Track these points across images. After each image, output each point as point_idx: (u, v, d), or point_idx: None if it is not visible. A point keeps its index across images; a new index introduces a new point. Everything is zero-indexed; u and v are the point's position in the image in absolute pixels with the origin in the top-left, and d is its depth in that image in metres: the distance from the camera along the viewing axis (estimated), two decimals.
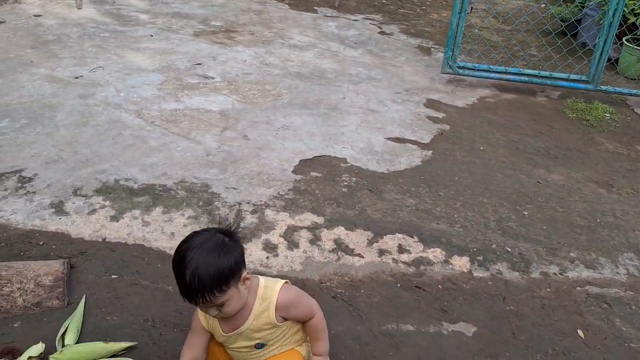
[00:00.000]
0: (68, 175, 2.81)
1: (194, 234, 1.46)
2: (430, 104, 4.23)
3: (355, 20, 6.29)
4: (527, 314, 2.25)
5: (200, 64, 4.47)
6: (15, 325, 1.95)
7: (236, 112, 3.69)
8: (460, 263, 2.51)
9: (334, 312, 2.15)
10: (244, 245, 1.61)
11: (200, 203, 2.69)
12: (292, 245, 2.48)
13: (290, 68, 4.61)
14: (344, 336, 2.05)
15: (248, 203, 2.72)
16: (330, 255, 2.46)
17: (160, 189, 2.77)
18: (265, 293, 1.54)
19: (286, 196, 2.81)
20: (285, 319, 1.58)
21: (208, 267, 1.36)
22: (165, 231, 2.50)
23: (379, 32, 5.97)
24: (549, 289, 2.39)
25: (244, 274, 1.45)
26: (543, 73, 4.47)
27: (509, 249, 2.61)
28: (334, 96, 4.14)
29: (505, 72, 4.55)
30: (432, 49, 5.58)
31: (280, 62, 4.75)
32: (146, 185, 2.79)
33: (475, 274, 2.46)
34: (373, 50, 5.40)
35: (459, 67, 4.57)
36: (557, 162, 3.46)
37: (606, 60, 4.19)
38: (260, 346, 1.59)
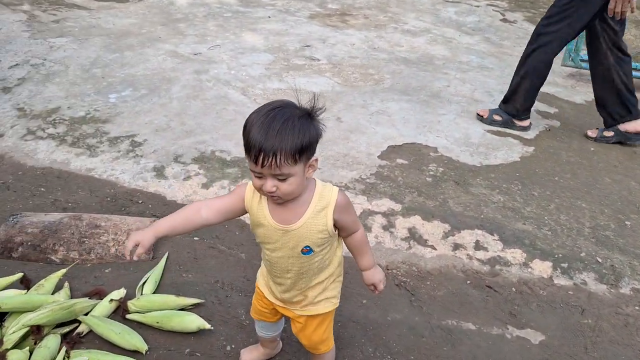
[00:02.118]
0: (172, 143, 3.07)
1: (281, 100, 1.35)
2: (544, 97, 3.95)
3: (478, 6, 6.02)
4: (606, 331, 2.06)
5: (309, 45, 4.58)
6: (107, 270, 2.20)
7: (335, 94, 3.75)
8: (541, 268, 2.36)
9: (394, 300, 2.15)
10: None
11: None
12: (365, 229, 2.50)
13: (398, 53, 4.56)
14: (400, 324, 2.04)
15: (329, 183, 2.77)
16: (401, 244, 2.45)
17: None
18: (324, 192, 1.42)
19: (367, 180, 2.82)
20: (335, 226, 1.46)
21: (294, 125, 1.26)
22: None
23: (501, 19, 5.67)
24: (637, 307, 2.16)
25: (313, 159, 1.35)
26: None
27: (600, 260, 2.40)
28: (437, 83, 4.03)
29: (636, 69, 4.09)
30: None
31: (389, 46, 4.71)
32: (237, 158, 2.96)
33: (555, 281, 2.30)
34: (491, 38, 5.15)
35: (582, 60, 4.20)
36: None
37: None
38: (308, 251, 1.44)
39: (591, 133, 3.45)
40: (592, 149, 3.32)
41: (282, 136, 1.24)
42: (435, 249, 2.44)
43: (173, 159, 2.93)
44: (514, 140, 3.35)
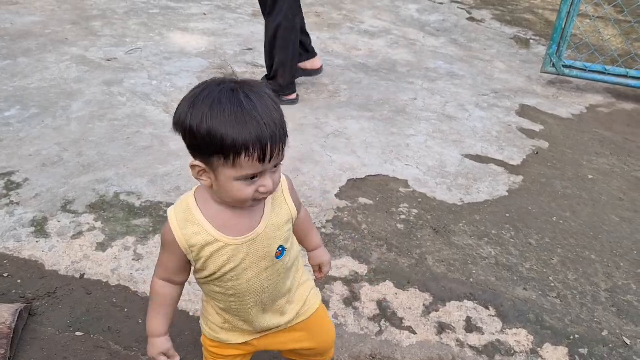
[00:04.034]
0: (63, 183, 2.31)
1: (207, 80, 1.04)
2: (525, 111, 3.40)
3: (441, 4, 5.46)
4: None
5: (251, 49, 3.88)
6: None
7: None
8: (555, 357, 1.76)
9: None
10: None
11: None
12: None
13: (356, 58, 3.92)
14: None
15: None
16: (369, 326, 1.80)
17: (167, 209, 2.21)
18: None
19: (323, 231, 2.16)
20: None
21: (267, 96, 1.01)
22: None
23: (467, 18, 5.12)
24: None
25: None
26: None
27: (628, 340, 1.83)
28: (403, 95, 3.41)
29: (626, 76, 3.61)
30: (531, 41, 4.67)
31: (345, 50, 4.06)
32: (150, 203, 2.24)
33: None
34: (458, 39, 4.58)
35: (565, 67, 3.68)
36: None
37: None
38: (281, 252, 1.18)
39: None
40: (590, 176, 2.78)
41: (272, 112, 0.99)
42: (414, 332, 1.80)
43: (61, 206, 2.18)
44: (498, 167, 2.76)
